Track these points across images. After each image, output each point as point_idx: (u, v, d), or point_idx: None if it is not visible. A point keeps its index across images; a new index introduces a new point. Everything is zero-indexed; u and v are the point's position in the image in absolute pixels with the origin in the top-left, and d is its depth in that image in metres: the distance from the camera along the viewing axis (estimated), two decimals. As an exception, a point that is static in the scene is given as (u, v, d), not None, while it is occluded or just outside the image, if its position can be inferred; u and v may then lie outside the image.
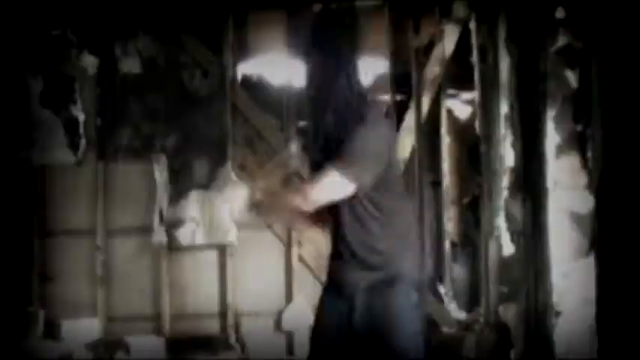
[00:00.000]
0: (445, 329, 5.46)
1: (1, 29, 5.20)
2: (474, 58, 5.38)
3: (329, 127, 3.23)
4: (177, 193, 5.33)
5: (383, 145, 3.17)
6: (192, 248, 5.33)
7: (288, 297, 5.33)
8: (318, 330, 3.32)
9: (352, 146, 3.10)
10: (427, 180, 5.74)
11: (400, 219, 3.25)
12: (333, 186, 3.09)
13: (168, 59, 5.37)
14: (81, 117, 5.32)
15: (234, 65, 5.44)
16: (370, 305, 3.17)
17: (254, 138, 5.41)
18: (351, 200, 3.14)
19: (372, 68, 6.08)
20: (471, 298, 6.00)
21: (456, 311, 5.77)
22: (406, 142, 5.47)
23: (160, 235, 5.29)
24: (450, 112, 6.08)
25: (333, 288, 3.29)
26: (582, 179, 4.95)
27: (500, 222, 5.24)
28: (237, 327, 5.32)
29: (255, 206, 3.31)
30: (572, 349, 4.89)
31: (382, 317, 3.17)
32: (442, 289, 5.89)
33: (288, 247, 5.36)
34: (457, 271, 6.26)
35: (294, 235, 5.36)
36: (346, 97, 3.25)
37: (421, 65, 5.54)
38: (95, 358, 5.20)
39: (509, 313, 5.19)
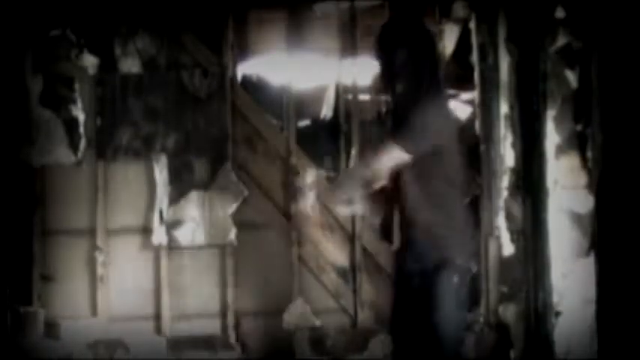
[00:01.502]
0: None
1: (1, 29, 5.20)
2: (474, 58, 5.38)
3: (402, 99, 3.76)
4: (177, 193, 5.33)
5: (441, 127, 3.70)
6: (192, 248, 5.33)
7: (289, 297, 5.33)
8: (395, 300, 3.90)
9: (415, 120, 3.65)
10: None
11: (454, 208, 3.74)
12: (392, 154, 3.65)
13: (168, 59, 5.36)
14: (81, 117, 5.32)
15: (234, 65, 5.43)
16: (422, 288, 3.68)
17: (254, 138, 5.41)
18: (412, 191, 3.69)
19: (371, 68, 6.09)
20: (471, 297, 6.01)
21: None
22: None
23: (159, 235, 5.29)
24: (450, 111, 6.08)
25: (401, 267, 3.84)
26: (582, 179, 4.96)
27: (500, 222, 5.24)
28: (237, 327, 5.32)
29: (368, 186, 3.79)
30: (572, 349, 4.90)
31: (430, 299, 3.65)
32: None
33: (288, 247, 5.36)
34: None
35: (294, 235, 5.36)
36: (425, 75, 3.74)
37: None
38: (95, 358, 5.20)
39: (509, 313, 5.20)
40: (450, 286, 3.68)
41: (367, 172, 3.76)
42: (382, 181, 3.75)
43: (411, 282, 3.75)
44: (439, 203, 3.72)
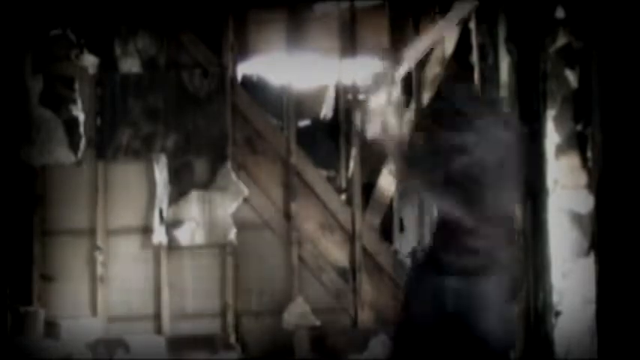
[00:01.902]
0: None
1: (1, 29, 5.20)
2: (474, 58, 5.38)
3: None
4: (177, 193, 5.33)
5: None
6: (192, 248, 5.33)
7: (289, 297, 5.33)
8: (410, 305, 3.58)
9: None
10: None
11: (503, 220, 3.47)
12: None
13: (168, 59, 5.36)
14: (81, 117, 5.32)
15: (234, 65, 5.43)
16: (460, 290, 3.39)
17: (254, 138, 5.41)
18: (454, 190, 3.37)
19: (371, 68, 6.08)
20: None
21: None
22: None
23: (159, 235, 5.29)
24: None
25: (429, 268, 3.53)
26: (582, 179, 4.96)
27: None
28: (237, 327, 5.32)
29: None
30: (572, 349, 4.89)
31: (470, 303, 3.39)
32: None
33: (288, 247, 5.36)
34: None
35: (294, 235, 5.36)
36: None
37: (421, 65, 5.54)
38: (95, 358, 5.20)
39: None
40: (501, 296, 3.46)
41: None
42: None
43: (444, 286, 3.46)
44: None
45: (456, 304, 3.44)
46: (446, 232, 3.52)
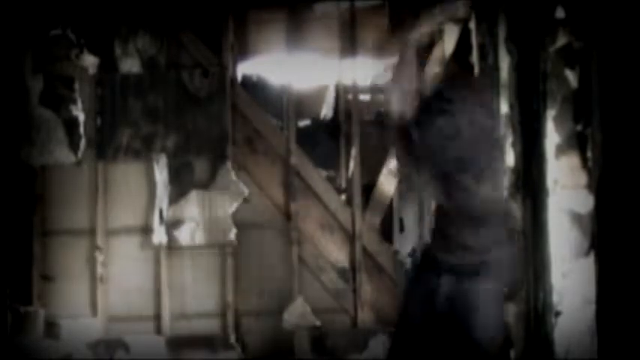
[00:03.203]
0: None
1: (1, 29, 5.20)
2: (474, 58, 5.38)
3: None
4: (177, 193, 5.33)
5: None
6: (192, 248, 5.33)
7: (289, 297, 5.33)
8: (405, 305, 3.65)
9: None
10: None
11: (494, 214, 3.53)
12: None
13: (168, 59, 5.36)
14: (81, 117, 5.32)
15: (234, 65, 5.44)
16: (453, 288, 3.46)
17: (254, 138, 5.41)
18: (449, 191, 3.46)
19: (371, 68, 6.09)
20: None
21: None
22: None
23: (159, 235, 5.29)
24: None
25: (425, 267, 3.61)
26: (582, 179, 4.95)
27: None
28: (237, 327, 5.32)
29: None
30: (572, 349, 4.89)
31: (463, 301, 3.44)
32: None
33: (288, 247, 5.36)
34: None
35: (294, 235, 5.36)
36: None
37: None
38: (95, 358, 5.20)
39: (509, 313, 5.19)
40: (495, 295, 3.51)
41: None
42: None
43: (438, 285, 3.53)
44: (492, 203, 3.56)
45: (447, 303, 3.50)
46: (440, 230, 3.58)
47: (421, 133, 3.44)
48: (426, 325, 3.56)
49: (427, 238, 3.71)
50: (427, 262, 3.65)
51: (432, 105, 3.49)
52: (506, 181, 5.22)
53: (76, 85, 5.32)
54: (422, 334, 3.57)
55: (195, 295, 5.33)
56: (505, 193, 3.68)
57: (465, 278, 3.49)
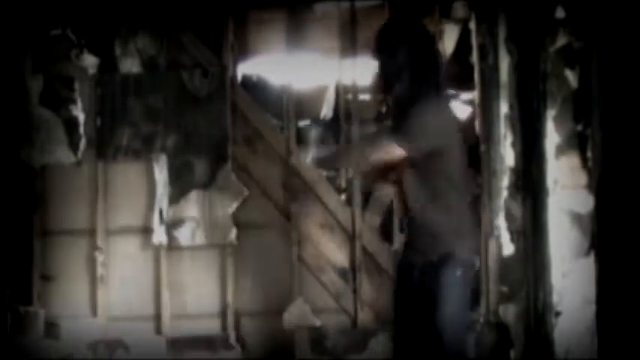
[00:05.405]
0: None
1: (1, 29, 5.20)
2: (474, 58, 5.38)
3: (401, 99, 3.83)
4: (178, 193, 5.33)
5: (441, 127, 3.76)
6: (192, 248, 5.33)
7: (289, 297, 5.33)
8: (395, 304, 3.98)
9: (414, 120, 3.72)
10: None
11: (456, 206, 3.79)
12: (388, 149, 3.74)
13: (168, 59, 5.36)
14: (81, 117, 5.32)
15: (234, 65, 5.43)
16: (424, 283, 3.76)
17: (254, 138, 5.41)
18: (414, 189, 3.78)
19: (371, 68, 6.08)
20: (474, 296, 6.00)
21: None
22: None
23: (159, 235, 5.29)
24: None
25: (403, 263, 3.94)
26: (582, 179, 4.96)
27: (500, 222, 5.24)
28: (237, 327, 5.33)
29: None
30: (572, 349, 4.90)
31: (431, 293, 3.72)
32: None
33: (288, 247, 5.36)
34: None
35: (294, 235, 5.36)
36: (427, 75, 3.82)
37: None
38: (95, 358, 5.20)
39: (509, 313, 5.20)
40: (454, 281, 3.74)
41: (362, 159, 3.96)
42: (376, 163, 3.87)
43: (413, 279, 3.82)
44: (441, 202, 3.78)
45: (421, 297, 3.77)
46: (411, 219, 3.87)
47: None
48: (412, 318, 3.82)
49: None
50: (404, 257, 3.93)
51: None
52: (506, 181, 5.23)
53: (76, 85, 5.32)
54: (414, 329, 3.81)
55: (195, 295, 5.33)
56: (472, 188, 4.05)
57: (430, 271, 3.75)
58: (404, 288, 3.91)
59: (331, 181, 6.04)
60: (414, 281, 3.81)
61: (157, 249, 5.31)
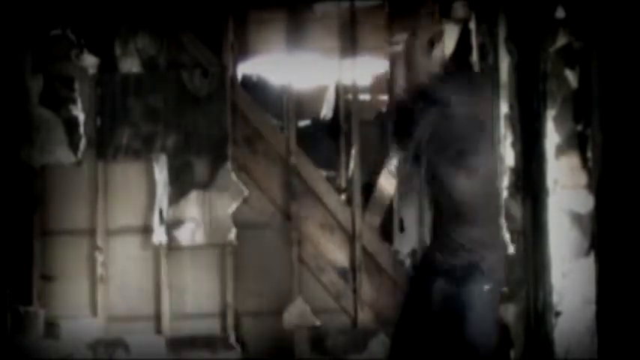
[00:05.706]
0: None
1: (1, 29, 5.20)
2: (474, 58, 5.38)
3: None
4: (178, 193, 5.33)
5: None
6: (192, 248, 5.33)
7: (289, 297, 5.33)
8: (404, 306, 3.79)
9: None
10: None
11: (485, 213, 3.65)
12: None
13: (168, 59, 5.36)
14: (81, 117, 5.32)
15: (234, 65, 5.43)
16: (447, 290, 3.59)
17: (254, 138, 5.41)
18: (441, 193, 3.61)
19: (371, 68, 6.09)
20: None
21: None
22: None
23: (159, 235, 5.29)
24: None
25: (423, 268, 3.76)
26: (582, 179, 4.96)
27: (501, 222, 5.23)
28: (237, 327, 5.32)
29: None
30: (572, 349, 4.90)
31: (456, 303, 3.57)
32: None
33: (288, 247, 5.36)
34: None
35: (294, 235, 5.36)
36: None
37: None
38: (95, 358, 5.20)
39: (509, 313, 5.20)
40: (483, 296, 3.60)
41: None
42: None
43: (433, 287, 3.66)
44: (488, 210, 3.70)
45: (442, 305, 3.61)
46: (435, 228, 3.72)
47: (418, 122, 3.57)
48: (424, 327, 3.66)
49: (427, 238, 3.85)
50: (425, 264, 3.75)
51: (429, 94, 3.61)
52: (506, 180, 5.23)
53: (76, 85, 5.32)
54: (420, 336, 3.67)
55: (195, 295, 5.33)
56: (503, 194, 3.80)
57: (457, 280, 3.59)
58: (419, 294, 3.74)
59: (331, 181, 6.04)
60: (436, 290, 3.65)
61: (156, 249, 5.31)
